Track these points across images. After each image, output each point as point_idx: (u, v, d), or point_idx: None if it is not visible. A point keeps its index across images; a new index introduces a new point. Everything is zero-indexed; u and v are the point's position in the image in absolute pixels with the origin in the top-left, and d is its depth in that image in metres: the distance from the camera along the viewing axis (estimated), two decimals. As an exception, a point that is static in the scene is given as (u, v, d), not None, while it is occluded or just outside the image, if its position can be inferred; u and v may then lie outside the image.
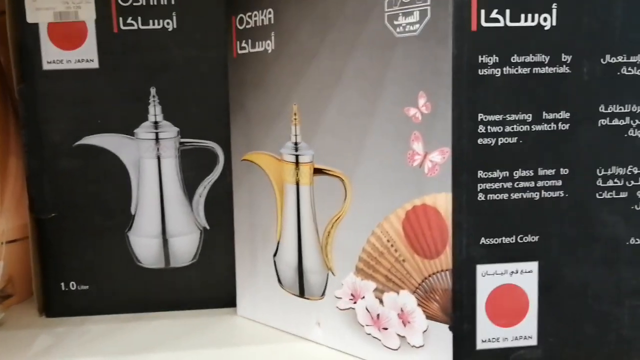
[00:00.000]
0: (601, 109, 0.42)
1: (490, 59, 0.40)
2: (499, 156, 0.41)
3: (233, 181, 0.58)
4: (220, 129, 0.58)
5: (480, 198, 0.41)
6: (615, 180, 0.42)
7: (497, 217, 0.41)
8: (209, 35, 0.58)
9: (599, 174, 0.42)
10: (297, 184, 0.51)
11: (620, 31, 0.41)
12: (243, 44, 0.55)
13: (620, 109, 0.42)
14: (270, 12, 0.52)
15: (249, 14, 0.54)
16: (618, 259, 0.43)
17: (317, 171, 0.50)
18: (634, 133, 0.42)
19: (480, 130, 0.41)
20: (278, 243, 0.54)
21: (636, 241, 0.43)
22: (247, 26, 0.54)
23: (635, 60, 0.41)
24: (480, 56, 0.40)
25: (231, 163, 0.58)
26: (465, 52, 0.40)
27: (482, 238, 0.41)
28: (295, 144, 0.51)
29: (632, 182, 0.43)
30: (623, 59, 0.41)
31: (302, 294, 0.52)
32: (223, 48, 0.57)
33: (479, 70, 0.40)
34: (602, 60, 0.41)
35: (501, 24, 0.40)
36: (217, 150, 0.59)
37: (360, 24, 0.45)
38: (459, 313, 0.42)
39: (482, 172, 0.41)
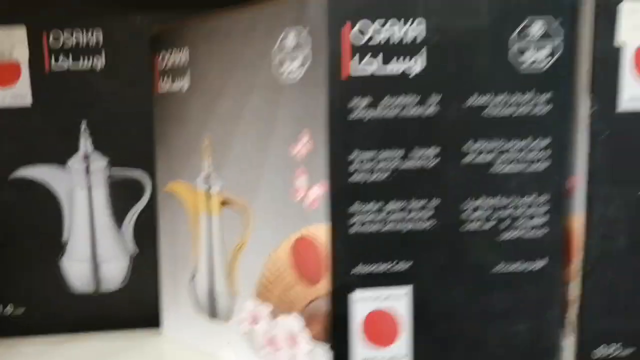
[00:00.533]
0: (467, 145, 0.45)
1: (362, 102, 0.44)
2: (371, 191, 0.45)
3: (158, 209, 0.61)
4: (149, 160, 0.62)
5: (353, 229, 0.45)
6: (482, 211, 0.46)
7: (370, 247, 0.45)
8: (137, 72, 0.62)
9: (466, 207, 0.46)
10: (209, 213, 0.55)
11: (484, 74, 0.45)
12: (164, 82, 0.59)
13: (485, 146, 0.45)
14: (186, 52, 0.56)
15: (169, 53, 0.58)
16: (485, 285, 0.46)
17: (225, 202, 0.53)
18: (498, 167, 0.46)
19: (354, 167, 0.44)
20: (194, 268, 0.57)
21: (501, 269, 0.46)
22: (168, 65, 0.58)
23: (498, 100, 0.45)
24: (352, 100, 0.44)
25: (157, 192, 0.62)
26: (338, 96, 0.44)
27: (357, 266, 0.45)
28: (207, 175, 0.55)
29: (498, 213, 0.46)
30: (486, 100, 0.45)
31: (215, 316, 0.56)
32: (150, 84, 0.61)
33: (352, 113, 0.44)
34: (467, 101, 0.45)
35: (373, 69, 0.44)
36: (144, 180, 0.63)
37: (255, 68, 0.49)
38: (335, 335, 0.45)
39: (355, 205, 0.44)
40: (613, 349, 0.49)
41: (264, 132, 0.48)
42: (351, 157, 0.44)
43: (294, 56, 0.45)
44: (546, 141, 0.46)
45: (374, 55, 0.44)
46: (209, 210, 0.55)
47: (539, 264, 0.47)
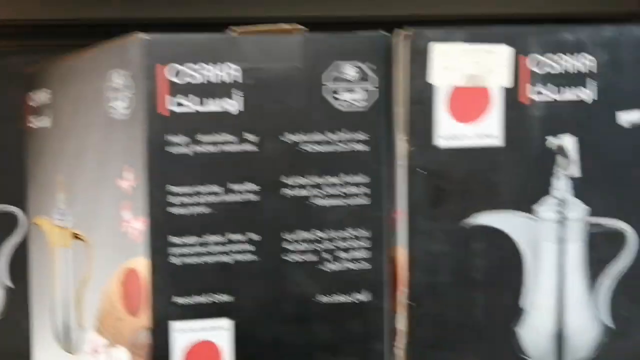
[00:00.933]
0: (285, 180, 0.47)
1: (179, 139, 0.45)
2: (191, 224, 0.46)
3: (28, 243, 0.63)
4: (24, 194, 0.63)
5: (174, 261, 0.46)
6: (302, 244, 0.47)
7: (191, 279, 0.46)
8: (12, 110, 0.64)
9: (287, 238, 0.47)
10: (62, 246, 0.56)
11: (297, 113, 0.46)
12: (31, 119, 0.61)
13: (303, 181, 0.47)
14: (47, 92, 0.58)
15: (35, 92, 0.60)
16: (308, 316, 0.48)
17: (75, 235, 0.55)
18: (318, 202, 0.47)
19: (173, 201, 0.46)
20: (53, 301, 0.58)
21: (325, 299, 0.48)
22: (34, 103, 0.60)
23: (314, 138, 0.47)
24: (170, 136, 0.45)
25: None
26: (156, 133, 0.45)
27: (177, 297, 0.46)
28: (61, 210, 0.56)
29: (317, 245, 0.47)
30: (303, 137, 0.47)
31: (68, 349, 0.57)
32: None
33: (169, 149, 0.45)
34: (283, 138, 0.46)
35: (189, 109, 0.45)
36: (18, 214, 0.64)
37: (95, 106, 0.50)
38: (159, 366, 0.46)
39: (175, 238, 0.46)
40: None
41: (101, 167, 0.50)
42: (171, 191, 0.46)
43: (120, 96, 0.47)
44: (364, 178, 0.47)
45: (192, 95, 0.45)
46: (62, 244, 0.56)
47: (362, 296, 0.48)
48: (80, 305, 0.54)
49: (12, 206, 0.64)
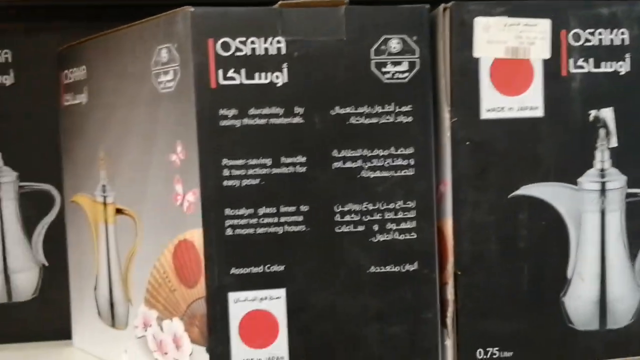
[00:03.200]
0: (334, 153, 0.48)
1: (230, 112, 0.46)
2: (243, 196, 0.47)
3: (66, 221, 0.63)
4: (58, 173, 0.64)
5: (228, 233, 0.47)
6: (352, 215, 0.48)
7: (245, 250, 0.47)
8: (46, 89, 0.64)
9: (337, 210, 0.48)
10: (105, 222, 0.57)
11: (346, 86, 0.47)
12: (67, 97, 0.61)
13: (352, 153, 0.48)
14: (84, 69, 0.58)
15: (71, 70, 0.60)
16: (360, 285, 0.48)
17: (118, 211, 0.55)
18: (366, 174, 0.48)
19: (225, 173, 0.46)
20: (96, 278, 0.59)
21: (376, 269, 0.49)
22: (70, 80, 0.61)
23: (361, 111, 0.48)
24: (220, 109, 0.46)
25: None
26: (207, 107, 0.46)
27: (233, 268, 0.47)
28: (103, 186, 0.57)
29: (368, 217, 0.48)
30: (351, 110, 0.47)
31: (113, 324, 0.57)
32: (56, 99, 0.63)
33: (220, 122, 0.46)
34: (331, 111, 0.47)
35: (237, 82, 0.46)
36: (53, 192, 0.65)
37: (141, 81, 0.51)
38: (214, 336, 0.47)
39: (229, 210, 0.47)
40: (490, 354, 0.51)
41: (148, 142, 0.51)
42: (222, 164, 0.46)
43: (167, 70, 0.48)
44: (409, 150, 0.48)
45: (239, 68, 0.46)
46: (105, 220, 0.57)
47: (410, 266, 0.49)
48: (127, 279, 0.55)
49: (47, 184, 0.65)
